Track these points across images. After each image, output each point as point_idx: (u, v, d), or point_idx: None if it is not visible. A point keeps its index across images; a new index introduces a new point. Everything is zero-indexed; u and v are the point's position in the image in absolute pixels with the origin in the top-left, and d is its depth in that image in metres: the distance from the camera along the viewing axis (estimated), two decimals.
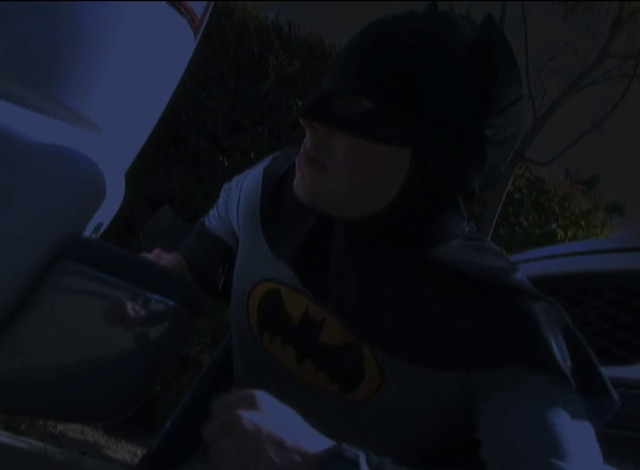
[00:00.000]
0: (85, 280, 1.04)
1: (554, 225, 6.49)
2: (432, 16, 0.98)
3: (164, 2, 1.13)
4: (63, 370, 1.06)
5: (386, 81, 0.92)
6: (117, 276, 1.06)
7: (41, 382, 1.06)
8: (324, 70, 5.41)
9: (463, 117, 0.94)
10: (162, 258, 1.32)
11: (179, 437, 1.44)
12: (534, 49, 10.95)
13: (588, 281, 1.95)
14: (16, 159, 0.99)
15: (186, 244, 1.40)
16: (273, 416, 0.79)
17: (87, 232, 1.13)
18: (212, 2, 1.35)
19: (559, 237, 6.34)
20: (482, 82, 0.94)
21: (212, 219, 1.43)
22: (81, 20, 1.03)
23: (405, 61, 0.92)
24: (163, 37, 1.19)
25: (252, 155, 4.94)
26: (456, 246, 1.04)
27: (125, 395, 1.13)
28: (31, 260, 1.03)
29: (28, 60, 1.00)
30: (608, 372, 1.67)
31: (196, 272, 1.35)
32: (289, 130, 5.27)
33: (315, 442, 0.80)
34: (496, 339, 0.95)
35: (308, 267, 1.09)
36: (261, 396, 0.80)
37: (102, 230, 1.19)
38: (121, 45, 1.10)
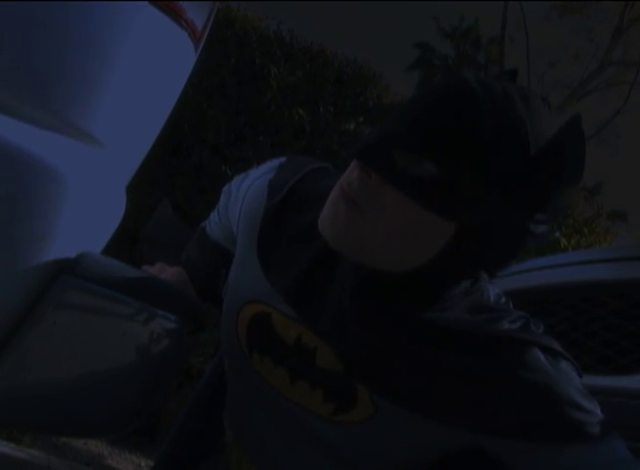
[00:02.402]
0: (87, 295, 1.04)
1: (557, 233, 6.47)
2: (516, 92, 0.92)
3: (165, 15, 1.13)
4: (65, 386, 1.06)
5: (458, 154, 0.88)
6: (120, 291, 1.06)
7: (43, 397, 1.06)
8: (326, 79, 5.42)
9: (517, 208, 0.92)
10: (165, 271, 1.32)
11: (182, 449, 1.44)
12: (534, 55, 10.97)
13: (591, 290, 1.94)
14: (17, 174, 0.98)
15: (187, 253, 1.39)
16: None
17: (89, 247, 1.12)
18: (213, 14, 1.35)
19: (562, 245, 6.32)
20: (546, 182, 0.91)
21: (213, 224, 1.43)
22: (82, 34, 1.03)
23: (483, 139, 0.88)
24: (164, 51, 1.19)
25: (255, 165, 4.93)
26: (460, 304, 1.02)
27: (128, 410, 1.13)
28: (33, 276, 1.03)
29: (30, 74, 1.00)
30: (611, 382, 1.67)
31: (198, 284, 1.35)
32: (291, 140, 5.27)
33: None
34: (507, 408, 0.97)
35: (305, 299, 1.07)
36: None
37: (103, 245, 1.19)
38: (122, 59, 1.10)
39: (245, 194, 1.23)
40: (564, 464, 0.95)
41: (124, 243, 4.45)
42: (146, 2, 1.08)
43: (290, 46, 5.63)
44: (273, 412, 1.15)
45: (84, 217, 1.09)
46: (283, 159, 1.25)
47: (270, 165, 1.24)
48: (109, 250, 1.24)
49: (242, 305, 1.14)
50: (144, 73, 1.16)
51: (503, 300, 1.06)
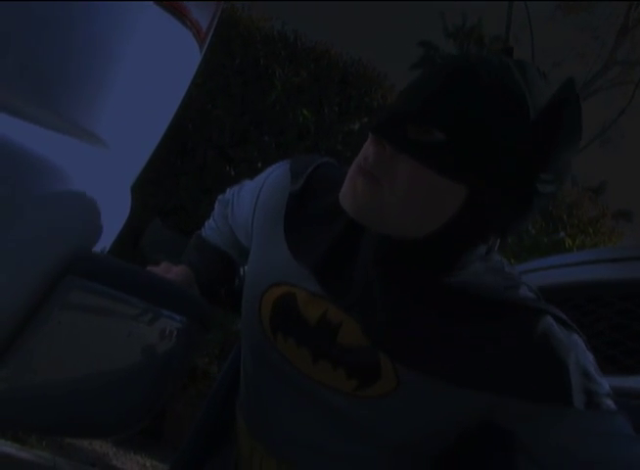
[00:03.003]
0: (92, 296, 1.04)
1: (562, 233, 6.47)
2: (513, 64, 0.99)
3: (170, 15, 1.13)
4: (70, 387, 1.05)
5: (462, 120, 0.95)
6: (125, 292, 1.05)
7: (49, 398, 1.06)
8: (331, 79, 5.42)
9: (522, 168, 0.97)
10: (170, 271, 1.32)
11: (197, 453, 1.45)
12: (539, 54, 10.96)
13: (597, 290, 1.94)
14: (23, 174, 0.98)
15: (187, 258, 1.40)
16: None
17: (94, 247, 1.12)
18: (218, 14, 1.35)
19: (567, 245, 6.31)
20: (547, 142, 0.97)
21: (209, 231, 1.45)
22: (87, 34, 1.03)
23: (483, 105, 0.95)
24: (169, 51, 1.19)
25: (259, 165, 4.94)
26: (477, 270, 1.08)
27: (134, 410, 1.13)
28: (38, 276, 1.03)
29: (35, 75, 1.00)
30: (618, 382, 1.66)
31: (202, 283, 1.36)
32: (296, 140, 5.27)
33: None
34: (523, 370, 1.02)
35: (331, 275, 1.11)
36: None
37: (109, 245, 1.19)
38: (127, 59, 1.10)
39: (259, 189, 1.26)
40: (569, 428, 1.00)
41: (129, 243, 4.45)
42: (151, 2, 1.08)
43: (294, 46, 5.64)
44: (294, 394, 1.19)
45: (89, 218, 1.09)
46: (290, 159, 1.29)
47: (280, 163, 1.28)
48: (113, 250, 1.24)
49: (266, 289, 1.18)
50: (149, 74, 1.16)
51: (515, 272, 1.13)
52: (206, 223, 1.50)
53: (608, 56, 8.94)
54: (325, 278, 1.11)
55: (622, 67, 9.37)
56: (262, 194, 1.25)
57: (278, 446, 1.23)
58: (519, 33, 8.77)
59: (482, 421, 1.10)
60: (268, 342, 1.19)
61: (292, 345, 1.15)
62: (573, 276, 2.05)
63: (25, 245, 1.01)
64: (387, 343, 1.07)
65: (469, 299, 1.05)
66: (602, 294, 1.91)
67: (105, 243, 1.16)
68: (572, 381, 1.00)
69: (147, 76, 1.15)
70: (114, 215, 1.14)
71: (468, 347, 1.04)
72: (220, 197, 1.48)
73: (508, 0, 8.62)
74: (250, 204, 1.28)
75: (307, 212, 1.17)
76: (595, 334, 1.85)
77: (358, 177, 1.01)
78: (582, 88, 9.00)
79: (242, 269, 1.40)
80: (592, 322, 1.89)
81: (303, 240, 1.15)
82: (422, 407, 1.09)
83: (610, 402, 1.01)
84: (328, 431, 1.17)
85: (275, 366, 1.20)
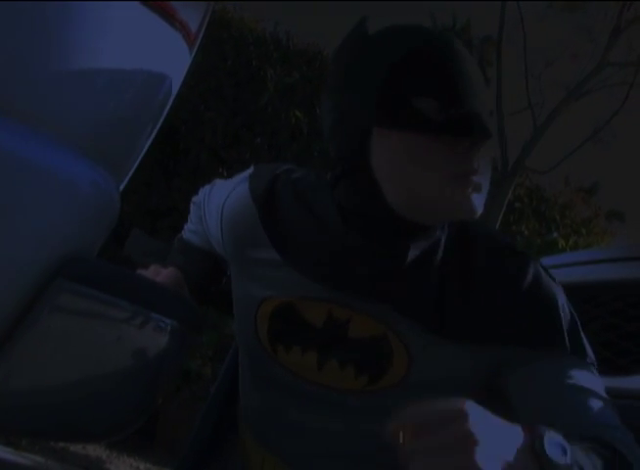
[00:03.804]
0: (81, 299, 1.03)
1: (555, 234, 6.48)
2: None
3: (157, 16, 1.13)
4: (60, 391, 1.05)
5: (484, 90, 1.03)
6: (115, 295, 1.05)
7: (39, 403, 1.05)
8: (323, 81, 5.42)
9: None
10: (160, 273, 1.31)
11: (198, 458, 1.45)
12: (532, 54, 10.98)
13: (590, 291, 1.93)
14: (12, 178, 0.98)
15: (173, 261, 1.39)
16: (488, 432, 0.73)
17: (83, 251, 1.11)
18: (208, 16, 1.34)
19: (560, 246, 6.33)
20: None
21: (189, 234, 1.44)
22: (72, 37, 1.03)
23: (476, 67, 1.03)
24: (157, 52, 1.18)
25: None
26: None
27: (125, 414, 1.13)
28: (28, 279, 1.02)
29: (19, 77, 1.00)
30: (612, 383, 1.66)
31: (192, 284, 1.35)
32: (288, 142, 5.27)
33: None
34: (521, 317, 1.05)
35: (331, 274, 1.10)
36: (472, 409, 0.73)
37: (98, 248, 1.18)
38: (115, 61, 1.09)
39: (222, 210, 1.25)
40: (554, 371, 1.03)
41: (122, 245, 4.44)
42: (138, 3, 1.07)
43: (286, 48, 5.64)
44: (301, 404, 1.18)
45: (78, 221, 1.08)
46: (250, 170, 1.28)
47: (240, 179, 1.26)
48: (106, 252, 1.23)
49: (258, 305, 1.16)
50: (138, 76, 1.15)
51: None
52: (185, 226, 1.49)
53: (600, 57, 8.94)
54: (327, 279, 1.10)
55: (615, 68, 9.38)
56: (225, 216, 1.23)
57: (292, 455, 1.23)
58: (512, 33, 8.77)
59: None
60: (268, 357, 1.18)
61: (296, 353, 1.14)
62: (566, 277, 2.05)
63: (15, 248, 1.00)
64: (399, 312, 1.08)
65: (466, 247, 1.09)
66: (596, 294, 1.91)
67: (94, 246, 1.15)
68: (564, 326, 1.05)
69: (136, 79, 1.14)
70: (104, 219, 1.14)
71: (473, 301, 1.06)
72: (194, 198, 1.47)
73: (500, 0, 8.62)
74: (216, 222, 1.27)
75: (285, 221, 1.15)
76: (589, 335, 1.85)
77: (471, 183, 1.00)
78: (576, 89, 9.00)
79: (229, 268, 1.39)
80: (585, 323, 1.88)
81: (296, 249, 1.13)
82: (433, 382, 1.09)
83: (589, 350, 1.07)
84: (341, 433, 1.16)
85: (277, 380, 1.19)
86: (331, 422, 1.16)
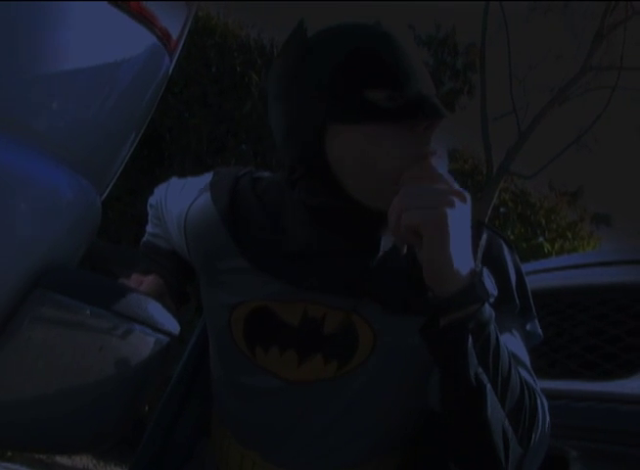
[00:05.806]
0: (62, 310, 1.02)
1: (541, 238, 6.51)
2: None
3: (138, 23, 1.12)
4: (42, 402, 1.04)
5: (427, 76, 1.08)
6: (97, 305, 1.04)
7: (20, 414, 1.04)
8: None
9: None
10: (142, 282, 1.30)
11: (156, 454, 1.45)
12: (516, 57, 11.04)
13: (575, 296, 1.94)
14: None
15: (147, 267, 1.38)
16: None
17: (64, 260, 1.11)
18: (189, 22, 1.34)
19: (546, 250, 6.36)
20: None
21: (152, 237, 1.43)
22: (49, 44, 1.02)
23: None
24: (138, 59, 1.17)
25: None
26: None
27: (109, 424, 1.12)
28: (8, 289, 1.01)
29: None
30: (597, 387, 1.66)
31: (173, 287, 1.34)
32: (273, 148, 5.27)
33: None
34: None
35: (309, 281, 1.11)
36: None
37: (79, 258, 1.17)
38: (94, 69, 1.09)
39: (185, 219, 1.24)
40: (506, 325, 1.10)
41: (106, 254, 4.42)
42: (117, 10, 1.07)
43: (271, 54, 5.65)
44: (281, 401, 1.19)
45: (59, 230, 1.07)
46: (210, 177, 1.28)
47: (202, 184, 1.27)
48: (87, 263, 1.22)
49: (231, 311, 1.16)
50: (117, 84, 1.14)
51: None
52: (147, 229, 1.48)
53: (583, 62, 9.00)
54: (298, 279, 1.11)
55: (597, 72, 9.43)
56: (189, 229, 1.23)
57: (274, 452, 1.23)
58: (494, 36, 8.80)
59: None
60: (247, 360, 1.18)
61: (274, 354, 1.15)
62: (552, 282, 2.06)
63: None
64: (379, 299, 1.10)
65: None
66: (580, 299, 1.92)
67: (75, 255, 1.14)
68: (513, 285, 1.13)
69: (113, 85, 1.14)
70: (85, 228, 1.13)
71: None
72: (150, 200, 1.48)
73: (485, 0, 8.66)
74: (179, 232, 1.26)
75: (251, 227, 1.16)
76: (574, 339, 1.85)
77: (431, 162, 1.01)
78: (559, 93, 9.05)
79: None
80: (571, 327, 1.89)
81: (262, 253, 1.14)
82: (400, 356, 1.12)
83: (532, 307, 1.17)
84: (322, 423, 1.17)
85: (256, 382, 1.19)
86: (314, 416, 1.17)
